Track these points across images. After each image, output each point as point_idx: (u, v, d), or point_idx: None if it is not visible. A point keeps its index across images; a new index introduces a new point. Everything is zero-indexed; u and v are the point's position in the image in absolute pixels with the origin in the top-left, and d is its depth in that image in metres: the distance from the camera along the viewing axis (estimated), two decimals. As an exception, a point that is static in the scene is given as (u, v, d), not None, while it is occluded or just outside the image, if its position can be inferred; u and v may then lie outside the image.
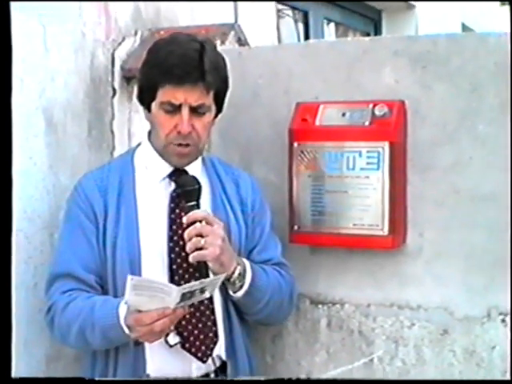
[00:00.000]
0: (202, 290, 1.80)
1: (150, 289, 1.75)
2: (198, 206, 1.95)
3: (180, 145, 1.98)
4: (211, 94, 1.95)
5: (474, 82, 2.14)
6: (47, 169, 2.25)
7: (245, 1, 3.44)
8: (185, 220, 1.92)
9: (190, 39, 1.97)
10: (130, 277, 1.75)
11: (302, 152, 2.22)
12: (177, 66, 1.90)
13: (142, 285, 1.76)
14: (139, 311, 1.80)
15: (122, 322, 1.84)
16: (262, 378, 2.02)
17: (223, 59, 2.02)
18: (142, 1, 2.68)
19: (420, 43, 2.22)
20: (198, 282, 1.79)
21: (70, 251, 2.00)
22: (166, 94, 1.94)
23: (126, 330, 1.84)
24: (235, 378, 1.99)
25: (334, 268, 2.30)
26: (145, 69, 2.00)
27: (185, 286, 1.76)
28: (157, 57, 1.96)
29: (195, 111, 1.95)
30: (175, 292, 1.74)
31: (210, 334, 1.99)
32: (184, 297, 1.76)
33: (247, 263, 2.00)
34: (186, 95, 1.92)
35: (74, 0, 2.36)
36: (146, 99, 2.01)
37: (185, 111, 1.93)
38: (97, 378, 1.98)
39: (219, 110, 2.04)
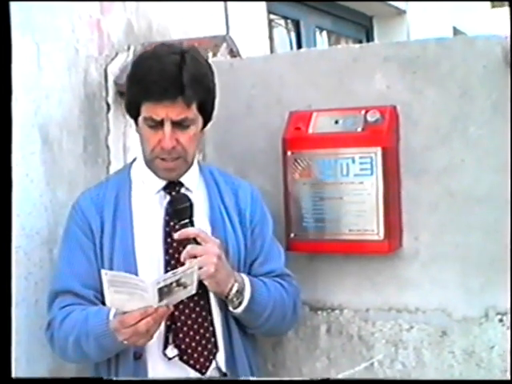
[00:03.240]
0: (180, 284, 1.78)
1: (126, 285, 1.75)
2: (191, 224, 1.94)
3: (164, 159, 1.97)
4: (193, 106, 1.94)
5: (464, 86, 2.16)
6: (44, 185, 2.27)
7: (235, 0, 3.44)
8: (176, 236, 1.92)
9: (170, 52, 1.95)
10: (103, 271, 1.76)
11: (296, 160, 2.23)
12: (155, 84, 1.89)
13: (117, 280, 1.76)
14: (124, 313, 1.80)
15: (111, 327, 1.84)
16: (263, 379, 2.03)
17: (208, 67, 2.00)
18: (136, 0, 2.69)
19: (409, 49, 2.25)
20: (170, 273, 1.77)
21: (69, 268, 2.01)
22: (147, 109, 1.94)
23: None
24: (236, 378, 1.99)
25: (331, 274, 2.32)
26: (128, 85, 2.01)
27: (158, 279, 1.75)
28: (137, 73, 1.97)
29: (179, 125, 1.94)
30: (150, 287, 1.73)
31: (209, 346, 1.98)
32: (162, 292, 1.74)
33: (246, 279, 1.99)
34: (167, 110, 1.91)
35: (70, 0, 2.38)
36: (132, 114, 2.02)
37: (167, 127, 1.93)
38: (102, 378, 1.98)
39: (207, 119, 2.03)
